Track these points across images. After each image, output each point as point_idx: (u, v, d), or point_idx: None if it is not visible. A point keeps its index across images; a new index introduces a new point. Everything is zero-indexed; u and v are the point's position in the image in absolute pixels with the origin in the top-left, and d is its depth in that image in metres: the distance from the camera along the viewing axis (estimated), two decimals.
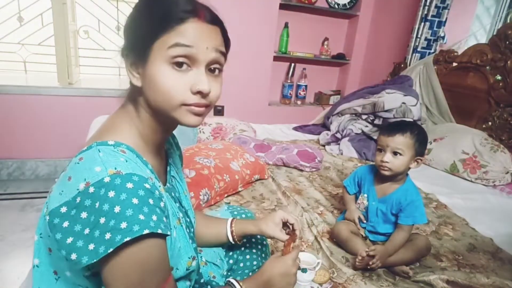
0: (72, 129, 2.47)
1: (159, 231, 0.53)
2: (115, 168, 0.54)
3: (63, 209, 0.53)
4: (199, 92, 0.59)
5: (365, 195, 1.31)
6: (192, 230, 0.79)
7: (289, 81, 3.12)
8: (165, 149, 0.78)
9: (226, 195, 1.53)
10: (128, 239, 0.51)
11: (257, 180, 1.72)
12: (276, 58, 2.95)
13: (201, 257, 0.91)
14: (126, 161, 0.56)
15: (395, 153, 1.20)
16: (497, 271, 1.21)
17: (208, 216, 0.99)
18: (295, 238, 0.89)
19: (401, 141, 1.20)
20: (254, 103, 2.97)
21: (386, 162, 1.20)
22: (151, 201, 0.54)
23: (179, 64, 0.58)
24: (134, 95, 0.65)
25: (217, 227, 0.92)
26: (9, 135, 2.39)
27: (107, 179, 0.52)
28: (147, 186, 0.55)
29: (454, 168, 2.03)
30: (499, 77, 2.14)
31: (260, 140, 2.13)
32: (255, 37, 2.78)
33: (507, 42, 2.09)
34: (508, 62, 2.08)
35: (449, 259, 1.26)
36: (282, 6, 2.83)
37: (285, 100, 3.16)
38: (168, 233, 0.56)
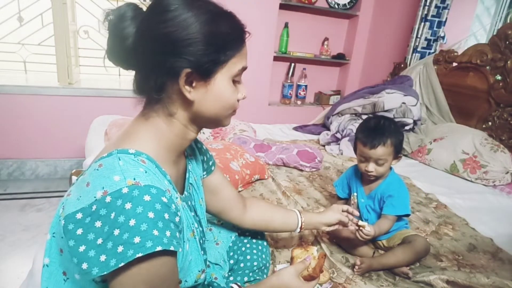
0: (72, 129, 2.47)
1: (172, 248, 0.53)
2: (134, 179, 0.53)
3: (79, 215, 0.53)
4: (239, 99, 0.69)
5: (355, 194, 1.33)
6: (204, 240, 0.79)
7: (289, 81, 3.11)
8: (185, 155, 0.77)
9: None
10: (140, 255, 0.50)
11: (257, 180, 1.72)
12: (276, 58, 2.95)
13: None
14: (146, 172, 0.55)
15: (378, 162, 1.21)
16: (497, 271, 1.21)
17: (270, 202, 1.08)
18: (322, 263, 0.88)
19: (383, 152, 1.19)
20: (254, 103, 2.97)
21: (371, 171, 1.22)
22: (166, 216, 0.53)
23: (236, 81, 0.67)
24: (169, 109, 0.63)
25: (286, 215, 1.02)
26: (9, 135, 2.39)
27: (125, 190, 0.52)
28: (164, 199, 0.54)
29: (454, 168, 2.03)
30: (499, 77, 2.14)
31: (260, 140, 2.13)
32: (255, 37, 2.75)
33: (507, 42, 2.09)
34: (508, 62, 2.08)
35: (449, 259, 1.26)
36: (282, 6, 2.83)
37: (285, 100, 3.16)
38: (180, 249, 0.56)
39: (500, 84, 2.12)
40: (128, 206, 0.51)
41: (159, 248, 0.51)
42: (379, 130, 1.21)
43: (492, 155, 1.92)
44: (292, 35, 2.98)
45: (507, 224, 1.55)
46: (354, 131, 2.36)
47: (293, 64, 3.08)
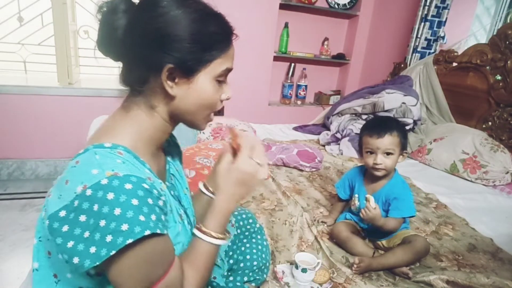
0: (72, 129, 2.47)
1: (158, 231, 0.54)
2: (113, 170, 0.54)
3: (62, 213, 0.53)
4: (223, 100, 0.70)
5: (357, 195, 1.32)
6: (192, 227, 0.80)
7: (289, 81, 3.11)
8: (163, 148, 0.78)
9: None
10: (130, 241, 0.51)
11: None
12: (276, 58, 2.95)
13: None
14: (123, 163, 0.57)
15: (386, 153, 1.22)
16: (497, 271, 1.21)
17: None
18: (235, 131, 0.78)
19: (391, 141, 1.21)
20: (254, 103, 2.97)
21: (380, 163, 1.21)
22: (150, 200, 0.55)
23: (221, 81, 0.68)
24: (150, 102, 0.65)
25: (199, 197, 0.88)
26: (9, 135, 2.39)
27: (104, 181, 0.53)
28: (146, 186, 0.55)
29: (454, 168, 2.03)
30: (499, 77, 2.14)
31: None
32: (255, 37, 2.78)
33: (507, 42, 2.09)
34: (508, 62, 2.08)
35: (449, 259, 1.26)
36: (282, 6, 2.83)
37: (285, 100, 3.16)
38: (165, 232, 0.57)
39: (500, 84, 2.12)
40: (110, 196, 0.52)
41: (147, 232, 0.53)
42: (384, 122, 1.27)
43: (492, 155, 1.92)
44: (292, 35, 2.98)
45: (507, 224, 1.55)
46: (354, 131, 2.36)
47: (293, 64, 3.08)
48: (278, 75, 3.12)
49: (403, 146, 1.26)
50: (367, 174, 1.33)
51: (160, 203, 0.58)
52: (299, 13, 3.02)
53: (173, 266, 0.61)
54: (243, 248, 1.00)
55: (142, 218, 0.53)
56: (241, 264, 0.98)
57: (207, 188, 0.86)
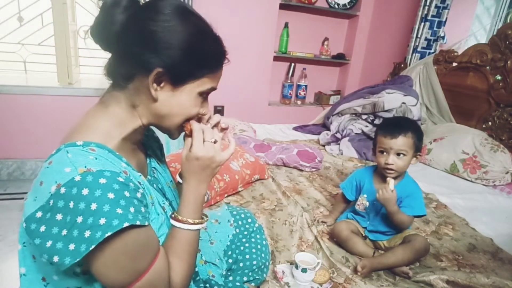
0: None
1: (138, 222, 0.55)
2: (85, 166, 0.54)
3: (38, 214, 0.54)
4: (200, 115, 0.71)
5: (365, 196, 1.31)
6: None
7: (289, 81, 3.12)
8: (142, 142, 0.78)
9: (226, 195, 1.53)
10: (109, 234, 0.52)
11: (257, 180, 1.72)
12: (276, 58, 2.95)
13: (201, 255, 0.91)
14: (96, 159, 0.57)
15: (398, 154, 1.21)
16: (497, 271, 1.21)
17: None
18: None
19: (404, 142, 1.20)
20: (254, 103, 2.97)
21: (391, 164, 1.21)
22: (127, 193, 0.55)
23: (204, 98, 0.70)
24: (132, 100, 0.65)
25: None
26: (9, 135, 2.39)
27: (77, 178, 0.53)
28: (121, 179, 0.56)
29: (454, 168, 2.03)
30: (499, 77, 2.14)
31: (260, 140, 2.13)
32: (255, 37, 2.78)
33: (507, 42, 2.09)
34: (508, 62, 2.08)
35: (449, 259, 1.26)
36: (282, 6, 2.83)
37: (285, 100, 3.16)
38: (146, 223, 0.58)
39: (500, 84, 2.12)
40: (85, 192, 0.52)
41: (126, 224, 0.53)
42: (400, 122, 1.26)
43: (492, 155, 1.92)
44: (292, 35, 2.98)
45: (507, 224, 1.55)
46: (354, 131, 2.36)
47: (293, 64, 3.08)
48: (278, 75, 3.12)
49: (417, 148, 1.24)
50: (377, 174, 1.32)
51: (138, 195, 0.58)
52: (299, 13, 3.02)
53: (159, 257, 0.61)
54: (242, 248, 1.00)
55: (119, 211, 0.53)
56: (241, 264, 0.98)
57: (181, 177, 0.85)
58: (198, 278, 0.87)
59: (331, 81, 3.42)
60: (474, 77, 2.29)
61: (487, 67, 2.20)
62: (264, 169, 1.76)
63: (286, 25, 2.92)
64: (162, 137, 0.86)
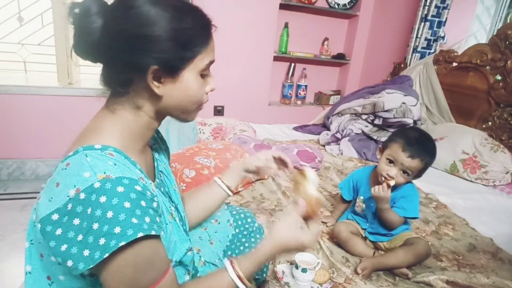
0: (72, 129, 2.45)
1: (153, 232, 0.55)
2: (104, 173, 0.54)
3: (55, 216, 0.53)
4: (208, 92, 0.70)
5: (361, 198, 1.31)
6: (184, 223, 0.80)
7: (289, 81, 3.11)
8: (149, 145, 0.78)
9: None
10: (123, 243, 0.51)
11: (257, 180, 1.72)
12: (276, 58, 2.95)
13: (200, 257, 0.91)
14: (115, 165, 0.56)
15: (404, 171, 1.20)
16: (497, 271, 1.21)
17: (194, 190, 0.99)
18: (304, 172, 0.83)
19: (417, 165, 1.18)
20: (254, 103, 2.97)
21: (392, 177, 1.19)
22: (143, 203, 0.55)
23: (205, 74, 0.67)
24: (135, 102, 0.64)
25: (208, 187, 0.94)
26: (9, 135, 2.39)
27: (97, 185, 0.52)
28: (138, 188, 0.55)
29: (454, 168, 2.02)
30: (499, 77, 2.14)
31: (260, 140, 2.13)
32: (255, 37, 2.77)
33: (507, 42, 2.09)
34: (508, 62, 2.08)
35: (449, 259, 1.26)
36: (282, 6, 2.83)
37: (285, 100, 3.16)
38: (162, 233, 0.57)
39: (500, 84, 2.12)
40: (103, 199, 0.52)
41: (140, 234, 0.53)
42: (424, 144, 1.19)
43: (492, 155, 1.92)
44: (292, 35, 2.98)
45: (507, 224, 1.55)
46: (354, 131, 2.36)
47: (293, 64, 3.08)
48: (278, 75, 3.11)
49: (420, 173, 1.22)
50: (374, 175, 1.30)
51: (154, 204, 0.58)
52: (299, 13, 3.01)
53: (166, 277, 0.60)
54: (241, 248, 1.00)
55: (134, 220, 0.53)
56: None
57: (222, 182, 0.91)
58: None
59: (331, 81, 3.42)
60: (474, 77, 2.29)
61: (487, 67, 2.20)
62: None
63: (286, 25, 2.92)
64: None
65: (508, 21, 2.69)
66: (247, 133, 2.24)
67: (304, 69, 3.12)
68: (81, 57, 0.63)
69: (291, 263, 1.10)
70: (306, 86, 3.16)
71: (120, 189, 0.53)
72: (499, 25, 2.71)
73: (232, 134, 2.19)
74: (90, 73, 2.77)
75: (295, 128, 2.78)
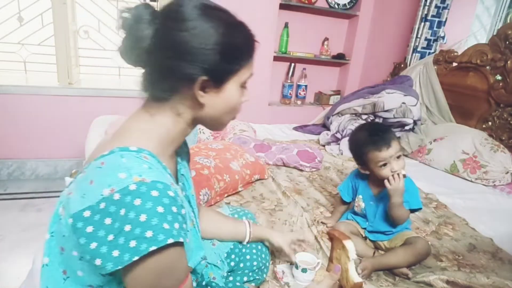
0: (72, 129, 2.47)
1: (181, 239, 0.55)
2: (140, 176, 0.54)
3: (86, 213, 0.53)
4: None
5: (360, 196, 1.31)
6: (199, 230, 0.80)
7: (289, 81, 3.11)
8: None
9: (226, 195, 1.53)
10: (153, 248, 0.52)
11: (257, 180, 1.72)
12: (276, 58, 2.94)
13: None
14: (150, 168, 0.57)
15: (397, 158, 1.21)
16: (497, 271, 1.21)
17: (220, 212, 1.04)
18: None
19: (396, 145, 1.22)
20: (254, 103, 2.95)
21: (400, 168, 1.20)
22: (174, 209, 0.55)
23: (244, 86, 0.71)
24: (177, 109, 0.66)
25: (235, 226, 1.00)
26: (9, 135, 2.39)
27: (132, 187, 0.53)
28: (171, 193, 0.56)
29: (454, 168, 2.03)
30: (499, 77, 2.14)
31: (260, 140, 2.13)
32: (255, 37, 2.77)
33: (507, 42, 2.09)
34: (508, 62, 2.08)
35: (449, 259, 1.26)
36: (282, 6, 2.83)
37: (285, 100, 3.16)
38: (187, 240, 0.59)
39: (500, 84, 2.12)
40: (137, 202, 0.52)
41: (170, 241, 0.53)
42: (383, 132, 1.24)
43: (492, 155, 1.92)
44: (292, 35, 2.98)
45: (507, 224, 1.55)
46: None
47: (293, 64, 3.08)
48: (278, 75, 3.11)
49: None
50: (371, 174, 1.31)
51: (183, 211, 0.58)
52: (299, 13, 3.01)
53: (186, 282, 0.61)
54: (243, 250, 1.00)
55: (166, 226, 0.53)
56: (241, 264, 0.98)
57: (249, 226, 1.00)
58: (204, 283, 0.86)
59: (331, 81, 3.42)
60: (474, 77, 2.29)
61: (487, 67, 2.20)
62: (264, 169, 1.76)
63: (286, 25, 2.92)
64: None
65: (508, 21, 2.68)
66: (247, 133, 2.24)
67: (304, 69, 3.12)
68: (126, 61, 0.65)
69: (291, 263, 1.10)
70: (306, 86, 3.16)
71: (154, 193, 0.53)
72: (499, 25, 2.70)
73: (232, 134, 2.19)
74: (90, 73, 2.77)
75: (295, 128, 2.78)
